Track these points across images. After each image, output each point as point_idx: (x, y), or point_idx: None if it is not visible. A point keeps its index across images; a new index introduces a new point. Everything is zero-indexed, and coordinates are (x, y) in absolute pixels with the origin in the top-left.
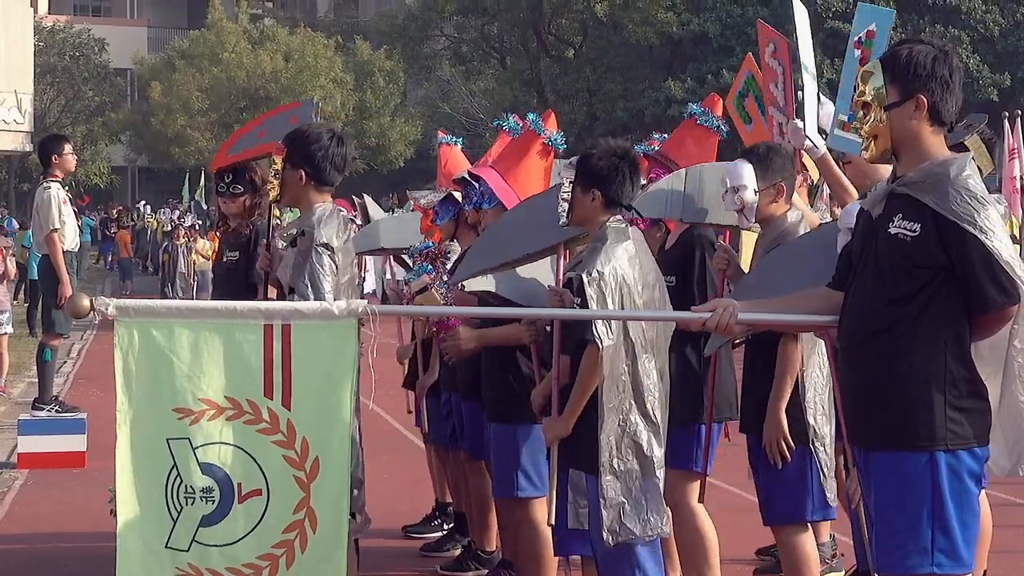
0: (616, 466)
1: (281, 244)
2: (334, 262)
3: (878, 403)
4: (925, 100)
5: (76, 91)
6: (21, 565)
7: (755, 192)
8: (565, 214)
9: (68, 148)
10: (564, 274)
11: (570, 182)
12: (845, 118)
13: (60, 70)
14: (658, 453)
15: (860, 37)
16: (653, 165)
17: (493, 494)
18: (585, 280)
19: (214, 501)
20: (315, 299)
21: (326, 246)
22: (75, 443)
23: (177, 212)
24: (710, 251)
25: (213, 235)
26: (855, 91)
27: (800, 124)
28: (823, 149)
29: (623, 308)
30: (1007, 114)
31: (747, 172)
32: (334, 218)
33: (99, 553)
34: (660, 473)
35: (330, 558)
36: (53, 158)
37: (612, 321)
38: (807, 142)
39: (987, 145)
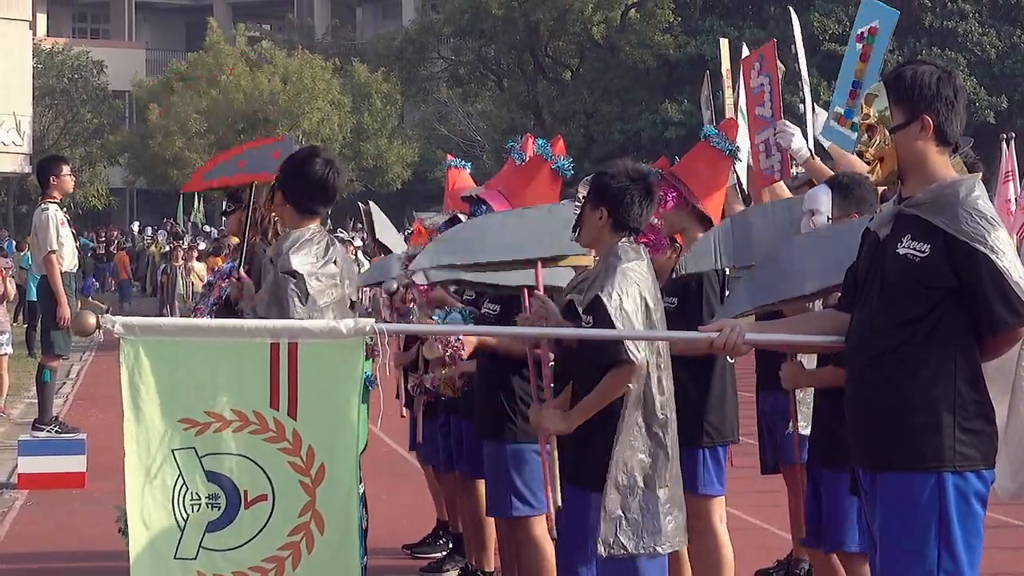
0: (620, 481)
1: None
2: (301, 289)
3: (885, 424)
4: (931, 121)
5: (75, 113)
6: None
7: (828, 219)
8: (574, 229)
9: (66, 169)
10: (566, 294)
11: (582, 198)
12: (841, 111)
13: (59, 92)
14: (663, 472)
15: (863, 32)
16: (663, 186)
17: (488, 513)
18: (605, 300)
19: (220, 508)
20: None
21: (292, 273)
22: (75, 464)
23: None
24: (711, 275)
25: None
26: (860, 113)
27: (788, 125)
28: (806, 153)
29: (643, 326)
30: (1004, 136)
31: (824, 198)
32: (311, 243)
33: (99, 573)
34: (662, 493)
35: (339, 559)
36: (51, 179)
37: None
38: (793, 143)
39: (969, 168)
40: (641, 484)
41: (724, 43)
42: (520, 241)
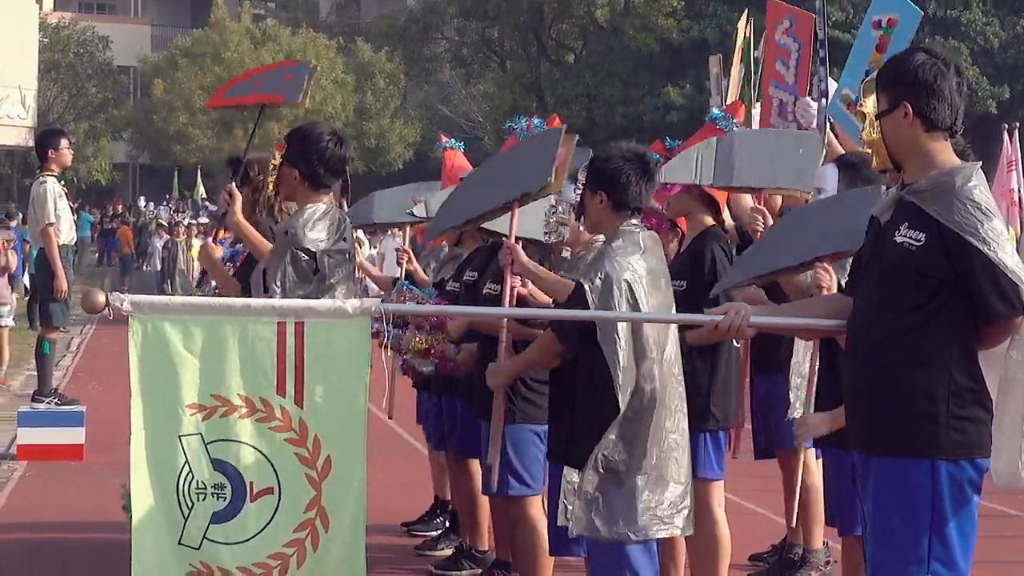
0: (601, 464)
1: None
2: (311, 268)
3: (881, 409)
4: (910, 106)
5: (79, 88)
6: (19, 556)
7: None
8: (577, 218)
9: (65, 143)
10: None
11: (582, 185)
12: (852, 96)
13: (64, 67)
14: (649, 459)
15: (880, 20)
16: None
17: (484, 491)
18: (587, 287)
19: (225, 498)
20: None
21: (306, 251)
22: (74, 436)
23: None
24: (720, 256)
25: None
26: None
27: (811, 103)
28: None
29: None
30: (1006, 126)
31: (831, 176)
32: (324, 219)
33: (96, 545)
34: (642, 480)
35: (346, 557)
36: (50, 152)
37: (620, 326)
38: (815, 120)
39: (959, 155)
40: (621, 469)
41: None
42: (496, 187)
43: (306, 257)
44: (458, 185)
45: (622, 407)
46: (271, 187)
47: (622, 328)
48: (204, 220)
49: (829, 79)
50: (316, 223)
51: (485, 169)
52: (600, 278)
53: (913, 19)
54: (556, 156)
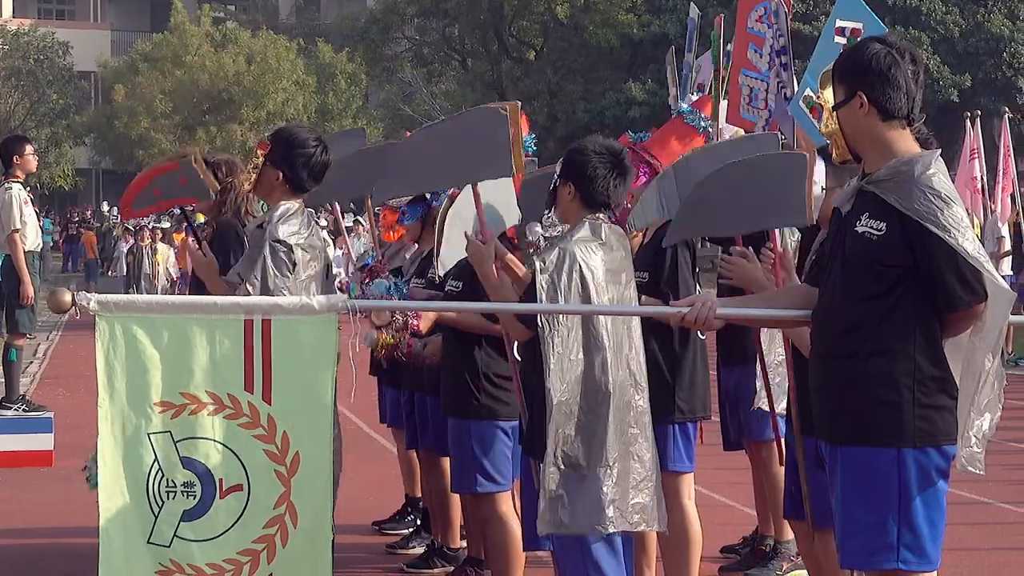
0: (560, 459)
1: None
2: (289, 259)
3: (846, 399)
4: (864, 96)
5: (40, 94)
6: None
7: (823, 190)
8: (548, 207)
9: (29, 149)
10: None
11: (555, 175)
12: (813, 95)
13: (24, 73)
14: (611, 452)
15: (844, 28)
16: (634, 160)
17: (453, 490)
18: (537, 267)
19: (195, 496)
20: (262, 295)
21: (281, 242)
22: (42, 442)
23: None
24: (682, 248)
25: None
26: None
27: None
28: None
29: (582, 302)
30: (968, 115)
31: (819, 168)
32: (296, 216)
33: (66, 551)
34: (603, 472)
35: (311, 554)
36: (14, 158)
37: (565, 315)
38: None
39: (922, 143)
40: (581, 463)
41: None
42: (442, 162)
43: (284, 248)
44: (404, 147)
45: (555, 397)
46: (248, 185)
47: (567, 317)
48: (166, 224)
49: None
50: (290, 218)
51: (432, 139)
52: (554, 257)
53: (877, 32)
54: (509, 143)
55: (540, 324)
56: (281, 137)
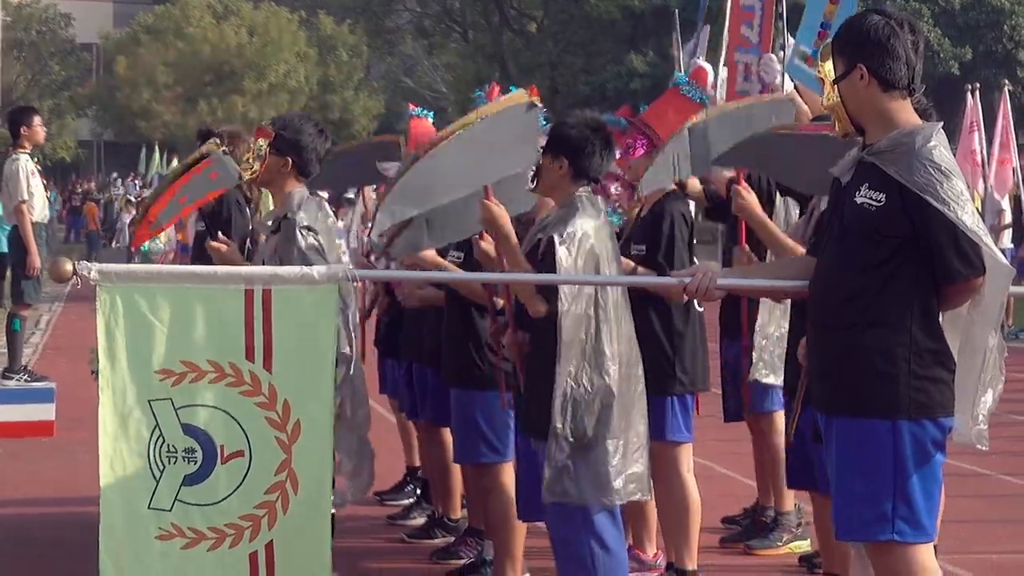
0: (566, 431)
1: (263, 237)
2: (318, 242)
3: (842, 370)
4: (865, 68)
5: (43, 66)
6: None
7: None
8: (531, 180)
9: (37, 120)
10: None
11: (540, 149)
12: (808, 51)
13: (27, 45)
14: (611, 424)
15: None
16: (633, 132)
17: (455, 460)
18: (556, 241)
19: (196, 461)
20: None
21: (309, 228)
22: (44, 412)
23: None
24: (680, 222)
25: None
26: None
27: (773, 58)
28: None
29: (595, 273)
30: (968, 87)
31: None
32: (311, 202)
33: (67, 520)
34: (611, 444)
35: (312, 522)
36: (22, 130)
37: (581, 291)
38: (777, 79)
39: (921, 115)
40: (589, 435)
41: None
42: (468, 169)
43: (313, 233)
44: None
45: (565, 369)
46: (248, 173)
47: (580, 291)
48: None
49: (788, 35)
50: (306, 204)
51: (464, 144)
52: (567, 235)
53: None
54: (537, 132)
55: (560, 298)
56: (288, 126)
